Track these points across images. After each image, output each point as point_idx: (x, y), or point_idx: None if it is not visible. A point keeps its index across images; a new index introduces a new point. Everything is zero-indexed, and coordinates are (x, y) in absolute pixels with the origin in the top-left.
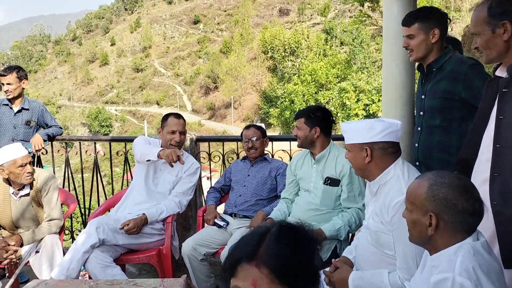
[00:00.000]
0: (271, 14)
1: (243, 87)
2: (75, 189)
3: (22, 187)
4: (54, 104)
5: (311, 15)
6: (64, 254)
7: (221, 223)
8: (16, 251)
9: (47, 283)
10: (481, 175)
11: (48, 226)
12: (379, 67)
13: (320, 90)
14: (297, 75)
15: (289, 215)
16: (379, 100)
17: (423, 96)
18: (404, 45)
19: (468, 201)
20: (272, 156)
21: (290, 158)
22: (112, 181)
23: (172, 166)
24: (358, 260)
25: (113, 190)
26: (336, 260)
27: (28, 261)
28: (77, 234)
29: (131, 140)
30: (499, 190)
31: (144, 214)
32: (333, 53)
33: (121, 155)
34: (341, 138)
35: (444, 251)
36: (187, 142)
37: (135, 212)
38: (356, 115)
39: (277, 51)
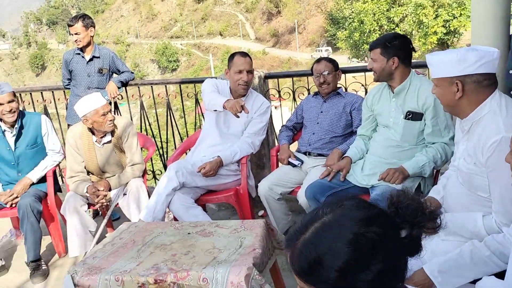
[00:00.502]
0: None
1: (307, 9)
2: (149, 125)
3: (104, 134)
4: (123, 42)
5: None
6: (148, 195)
7: (296, 162)
8: (105, 195)
9: (137, 225)
10: None
11: (131, 170)
12: None
13: (393, 7)
14: None
15: (366, 153)
16: (461, 15)
17: None
18: None
19: None
20: (346, 89)
21: (366, 90)
22: (184, 115)
23: (238, 117)
24: (447, 201)
25: (185, 123)
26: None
27: (118, 203)
28: (158, 174)
29: (200, 81)
30: None
31: (219, 156)
32: None
33: (191, 96)
34: (422, 65)
35: None
36: (255, 80)
37: (210, 155)
38: (435, 33)
39: None
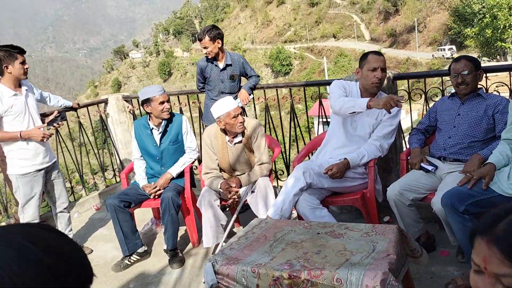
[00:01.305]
0: None
1: (428, 6)
2: (271, 123)
3: (235, 135)
4: (240, 48)
5: None
6: (275, 193)
7: (429, 167)
8: (237, 191)
9: (267, 221)
10: None
11: (260, 169)
12: None
13: None
14: None
15: None
16: None
17: None
18: None
19: None
20: (487, 90)
21: (511, 91)
22: (307, 115)
23: (390, 113)
24: None
25: (298, 124)
26: None
27: (246, 200)
28: (280, 174)
29: (325, 83)
30: None
31: (345, 158)
32: None
33: (316, 98)
34: None
35: None
36: (384, 82)
37: (336, 157)
38: None
39: None
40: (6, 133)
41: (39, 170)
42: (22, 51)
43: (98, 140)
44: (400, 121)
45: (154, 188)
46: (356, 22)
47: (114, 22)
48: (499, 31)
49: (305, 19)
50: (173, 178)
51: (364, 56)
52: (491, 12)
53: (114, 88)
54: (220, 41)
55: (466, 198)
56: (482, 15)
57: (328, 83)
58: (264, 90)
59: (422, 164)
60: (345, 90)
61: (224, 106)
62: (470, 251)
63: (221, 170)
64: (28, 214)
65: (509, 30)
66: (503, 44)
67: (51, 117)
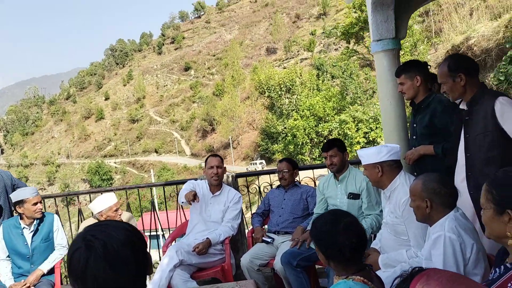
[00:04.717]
0: (259, 54)
1: (240, 126)
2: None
3: None
4: (53, 163)
5: (298, 51)
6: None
7: (268, 240)
8: None
9: None
10: (459, 175)
11: None
12: (371, 96)
13: (319, 123)
14: (295, 110)
15: None
16: (376, 128)
17: (414, 125)
18: (398, 90)
19: (446, 187)
20: (300, 182)
21: (314, 182)
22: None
23: (190, 204)
24: (383, 248)
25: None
26: (368, 250)
27: None
28: None
29: (182, 182)
30: (473, 184)
31: (208, 238)
32: (327, 87)
33: (174, 196)
34: (355, 162)
35: (438, 221)
36: (229, 179)
37: (200, 238)
38: (358, 143)
39: (273, 90)
40: None
41: None
42: None
43: None
44: (242, 208)
45: (24, 286)
46: (176, 139)
47: None
48: (299, 147)
49: (126, 134)
50: (43, 275)
51: (206, 159)
52: (292, 131)
53: None
54: None
55: (297, 256)
56: (285, 134)
57: (183, 182)
58: (126, 191)
59: (264, 238)
60: (194, 186)
61: (106, 201)
62: None
63: None
64: None
65: (306, 146)
66: (303, 156)
67: None
